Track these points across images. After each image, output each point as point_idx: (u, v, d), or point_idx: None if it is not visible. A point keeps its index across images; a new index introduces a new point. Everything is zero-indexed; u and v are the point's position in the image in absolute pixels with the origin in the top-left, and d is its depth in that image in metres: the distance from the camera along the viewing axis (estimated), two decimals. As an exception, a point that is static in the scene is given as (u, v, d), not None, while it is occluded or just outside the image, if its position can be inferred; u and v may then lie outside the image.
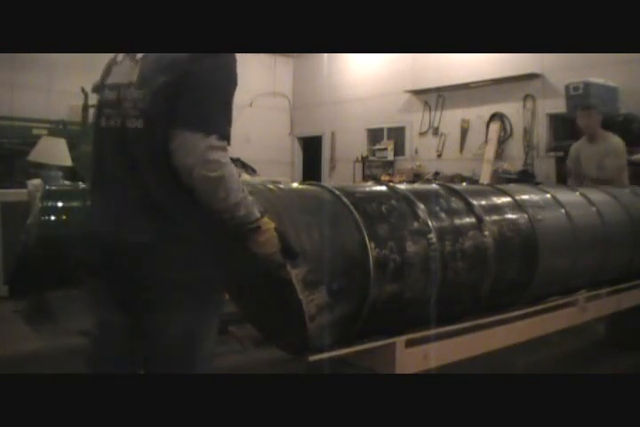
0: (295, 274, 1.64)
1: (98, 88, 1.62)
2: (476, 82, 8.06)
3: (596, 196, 3.12)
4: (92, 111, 7.45)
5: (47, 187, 3.32)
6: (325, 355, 1.75)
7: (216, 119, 1.40)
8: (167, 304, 1.44)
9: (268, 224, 1.49)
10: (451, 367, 2.08)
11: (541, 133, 7.62)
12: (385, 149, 9.59)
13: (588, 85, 6.30)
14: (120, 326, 1.52)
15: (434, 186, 2.48)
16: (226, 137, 1.40)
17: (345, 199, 1.91)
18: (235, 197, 1.40)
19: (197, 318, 1.47)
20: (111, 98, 1.51)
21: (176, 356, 1.46)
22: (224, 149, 1.39)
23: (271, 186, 1.95)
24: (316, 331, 1.70)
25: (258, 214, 1.46)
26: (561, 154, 6.56)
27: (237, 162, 7.08)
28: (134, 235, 1.44)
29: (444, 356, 2.08)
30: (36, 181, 4.41)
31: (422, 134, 9.13)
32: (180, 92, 1.38)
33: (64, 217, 3.15)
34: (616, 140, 4.34)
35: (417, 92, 9.11)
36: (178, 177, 1.40)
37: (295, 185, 2.27)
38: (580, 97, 6.33)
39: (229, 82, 1.44)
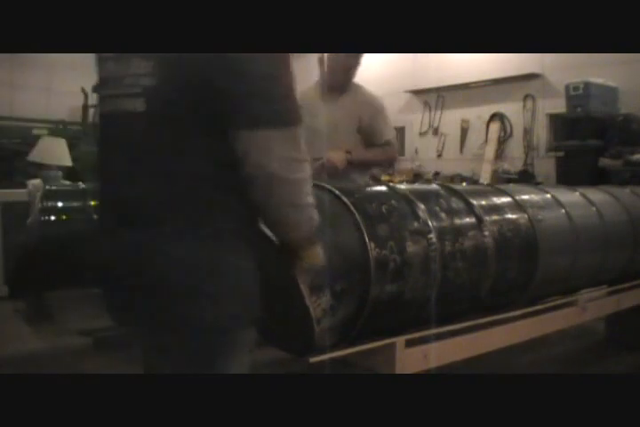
0: (302, 279, 1.64)
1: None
2: (476, 82, 8.05)
3: (596, 196, 3.12)
4: (92, 111, 7.48)
5: (47, 187, 3.31)
6: (326, 356, 1.76)
7: (283, 109, 1.17)
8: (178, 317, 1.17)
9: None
10: (451, 367, 2.08)
11: (541, 133, 7.61)
12: (385, 148, 9.58)
13: (588, 85, 6.30)
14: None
15: (434, 186, 2.48)
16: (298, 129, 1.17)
17: (345, 199, 1.91)
18: (307, 203, 1.21)
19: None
20: (107, 75, 1.27)
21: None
22: (301, 144, 1.17)
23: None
24: (320, 334, 1.70)
25: (317, 222, 1.25)
26: (561, 154, 6.56)
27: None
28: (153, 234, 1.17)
29: (444, 356, 2.08)
30: (36, 181, 4.41)
31: (422, 134, 9.12)
32: (226, 78, 1.14)
33: (64, 217, 3.15)
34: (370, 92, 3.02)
35: (417, 92, 9.10)
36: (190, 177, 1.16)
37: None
38: (580, 97, 6.33)
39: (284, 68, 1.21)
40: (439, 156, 8.84)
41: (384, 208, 1.98)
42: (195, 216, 1.16)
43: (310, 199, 1.21)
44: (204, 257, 1.15)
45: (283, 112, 1.16)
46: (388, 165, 4.52)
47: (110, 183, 1.26)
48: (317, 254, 1.32)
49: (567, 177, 5.98)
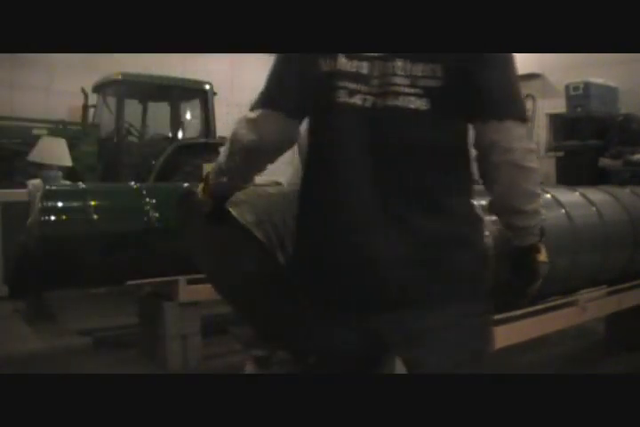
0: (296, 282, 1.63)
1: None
2: (476, 82, 8.03)
3: (596, 196, 3.12)
4: (92, 111, 7.47)
5: (47, 187, 3.31)
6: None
7: (522, 105, 1.32)
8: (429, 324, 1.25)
9: None
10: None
11: (541, 133, 7.62)
12: (385, 148, 9.57)
13: (588, 85, 6.32)
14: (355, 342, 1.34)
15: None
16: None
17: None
18: (538, 192, 1.32)
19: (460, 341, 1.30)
20: (358, 71, 1.26)
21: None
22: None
23: (270, 190, 1.94)
24: (317, 334, 1.70)
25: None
26: (561, 154, 6.57)
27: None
28: (416, 237, 1.23)
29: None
30: (36, 181, 4.41)
31: (422, 134, 9.10)
32: (481, 74, 1.23)
33: (64, 217, 3.15)
34: None
35: (417, 92, 9.08)
36: (458, 171, 1.29)
37: (294, 187, 2.27)
38: (580, 97, 6.34)
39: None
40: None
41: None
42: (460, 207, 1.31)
43: (539, 190, 1.33)
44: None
45: (522, 107, 1.31)
46: None
47: (387, 170, 1.25)
48: (544, 250, 1.42)
49: (567, 177, 5.99)
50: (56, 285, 3.29)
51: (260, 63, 10.12)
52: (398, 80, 1.22)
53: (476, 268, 1.33)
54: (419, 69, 1.22)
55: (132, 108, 7.54)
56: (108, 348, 3.85)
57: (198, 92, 7.74)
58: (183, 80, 7.86)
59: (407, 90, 1.22)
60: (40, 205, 3.07)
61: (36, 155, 4.91)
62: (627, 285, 3.11)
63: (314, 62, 1.28)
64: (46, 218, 3.05)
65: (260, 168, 1.50)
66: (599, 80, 6.36)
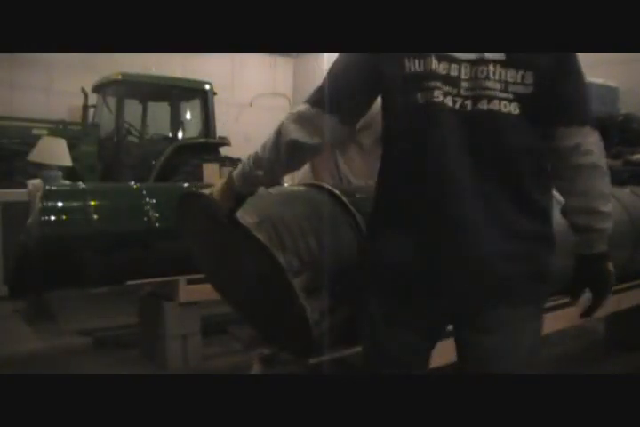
0: (297, 282, 1.64)
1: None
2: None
3: (596, 196, 3.11)
4: (92, 111, 7.47)
5: (47, 187, 3.31)
6: (326, 357, 1.75)
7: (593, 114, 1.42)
8: (516, 315, 1.34)
9: None
10: (450, 367, 2.08)
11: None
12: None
13: (588, 85, 6.31)
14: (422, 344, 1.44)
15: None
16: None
17: (345, 200, 1.91)
18: (610, 195, 1.40)
19: (536, 332, 1.44)
20: (448, 73, 1.28)
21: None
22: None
23: (270, 190, 1.93)
24: (318, 335, 1.70)
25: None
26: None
27: (237, 162, 7.07)
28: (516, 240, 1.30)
29: (444, 355, 2.07)
30: (36, 181, 4.41)
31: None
32: (567, 83, 1.33)
33: (64, 217, 3.15)
34: None
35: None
36: (542, 173, 1.34)
37: (294, 187, 2.27)
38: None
39: None
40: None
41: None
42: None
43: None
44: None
45: (593, 115, 1.40)
46: None
47: (486, 170, 1.29)
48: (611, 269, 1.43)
49: (567, 177, 5.98)
50: (56, 285, 3.29)
51: (261, 63, 10.11)
52: (491, 84, 1.27)
53: (552, 270, 1.38)
54: (511, 75, 1.27)
55: (132, 108, 7.54)
56: (108, 348, 3.84)
57: (198, 92, 7.75)
58: (183, 80, 7.87)
59: (500, 94, 1.27)
60: (40, 205, 3.07)
61: (36, 155, 4.91)
62: (626, 285, 3.11)
63: (397, 63, 1.30)
64: (46, 218, 3.05)
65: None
66: (599, 80, 6.36)
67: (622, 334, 3.64)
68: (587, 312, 1.54)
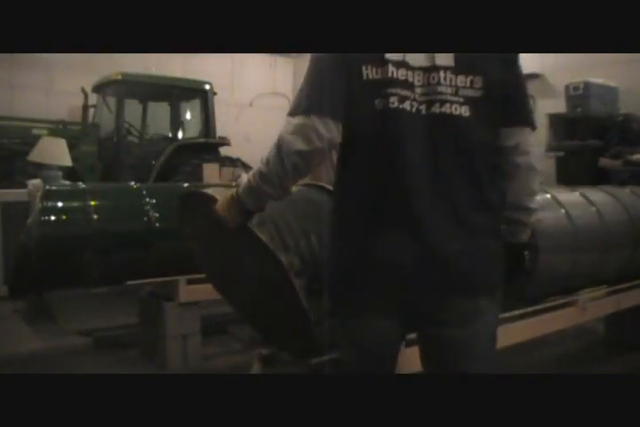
0: (298, 283, 1.64)
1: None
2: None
3: (596, 196, 3.12)
4: (92, 111, 7.47)
5: (47, 187, 3.31)
6: (327, 357, 1.76)
7: (534, 115, 1.51)
8: (478, 307, 1.41)
9: None
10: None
11: (541, 133, 7.61)
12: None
13: (587, 85, 6.31)
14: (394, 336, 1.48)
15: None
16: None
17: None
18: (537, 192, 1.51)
19: (495, 320, 1.50)
20: (405, 79, 1.35)
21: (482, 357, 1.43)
22: None
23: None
24: (319, 335, 1.70)
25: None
26: (561, 154, 6.56)
27: (237, 162, 7.07)
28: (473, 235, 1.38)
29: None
30: (36, 181, 4.41)
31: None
32: (512, 86, 1.41)
33: (64, 217, 3.15)
34: None
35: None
36: (497, 171, 1.43)
37: (294, 187, 2.27)
38: (580, 97, 6.33)
39: None
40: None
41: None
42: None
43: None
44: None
45: (534, 117, 1.49)
46: None
47: (445, 169, 1.38)
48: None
49: (567, 177, 5.98)
50: (56, 285, 3.29)
51: (261, 63, 10.08)
52: (443, 89, 1.35)
53: (500, 259, 1.47)
54: (461, 80, 1.35)
55: (132, 108, 7.54)
56: (108, 348, 3.84)
57: (198, 92, 7.75)
58: (183, 80, 7.86)
59: (451, 98, 1.35)
60: (40, 205, 3.07)
61: (36, 155, 4.91)
62: (626, 285, 3.11)
63: (356, 70, 1.35)
64: (46, 218, 3.05)
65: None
66: (599, 80, 6.35)
67: (622, 334, 3.63)
68: (513, 294, 1.68)
